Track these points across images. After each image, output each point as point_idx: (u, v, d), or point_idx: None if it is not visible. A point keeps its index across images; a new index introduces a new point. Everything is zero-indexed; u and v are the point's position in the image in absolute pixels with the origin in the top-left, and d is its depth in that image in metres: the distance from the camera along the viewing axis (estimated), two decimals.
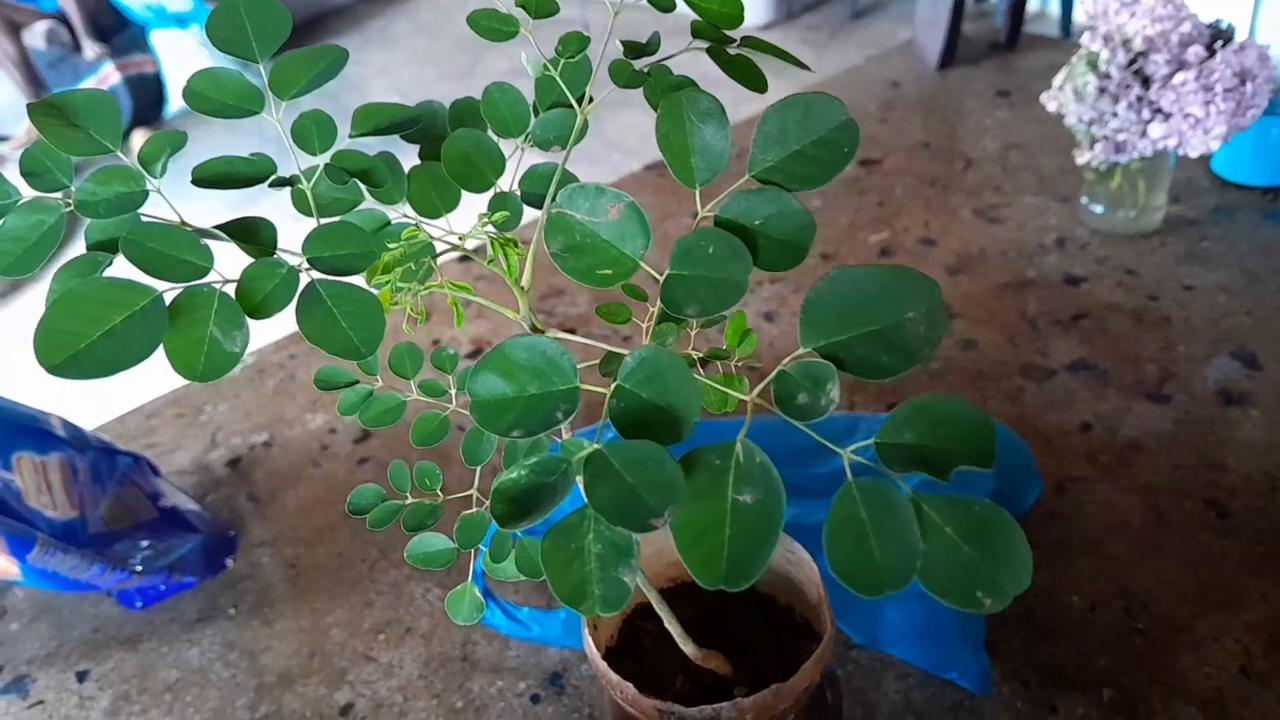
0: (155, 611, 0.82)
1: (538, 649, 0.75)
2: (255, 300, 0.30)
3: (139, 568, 0.76)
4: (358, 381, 0.43)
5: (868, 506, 0.28)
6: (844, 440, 0.79)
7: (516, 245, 0.35)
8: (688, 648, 0.47)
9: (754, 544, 0.27)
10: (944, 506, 0.28)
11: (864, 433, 0.80)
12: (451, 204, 0.38)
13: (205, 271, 0.31)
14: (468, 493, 0.39)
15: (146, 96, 3.77)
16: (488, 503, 0.31)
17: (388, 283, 0.33)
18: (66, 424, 0.82)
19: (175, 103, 3.93)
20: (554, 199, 0.32)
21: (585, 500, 0.29)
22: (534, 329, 0.36)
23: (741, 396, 0.33)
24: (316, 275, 0.31)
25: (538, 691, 0.73)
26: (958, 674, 0.68)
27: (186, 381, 1.06)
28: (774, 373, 0.29)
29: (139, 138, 3.72)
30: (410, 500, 0.44)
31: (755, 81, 0.38)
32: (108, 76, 3.65)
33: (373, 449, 0.95)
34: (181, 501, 0.85)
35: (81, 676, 0.78)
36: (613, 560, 0.28)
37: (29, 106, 0.34)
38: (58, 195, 0.35)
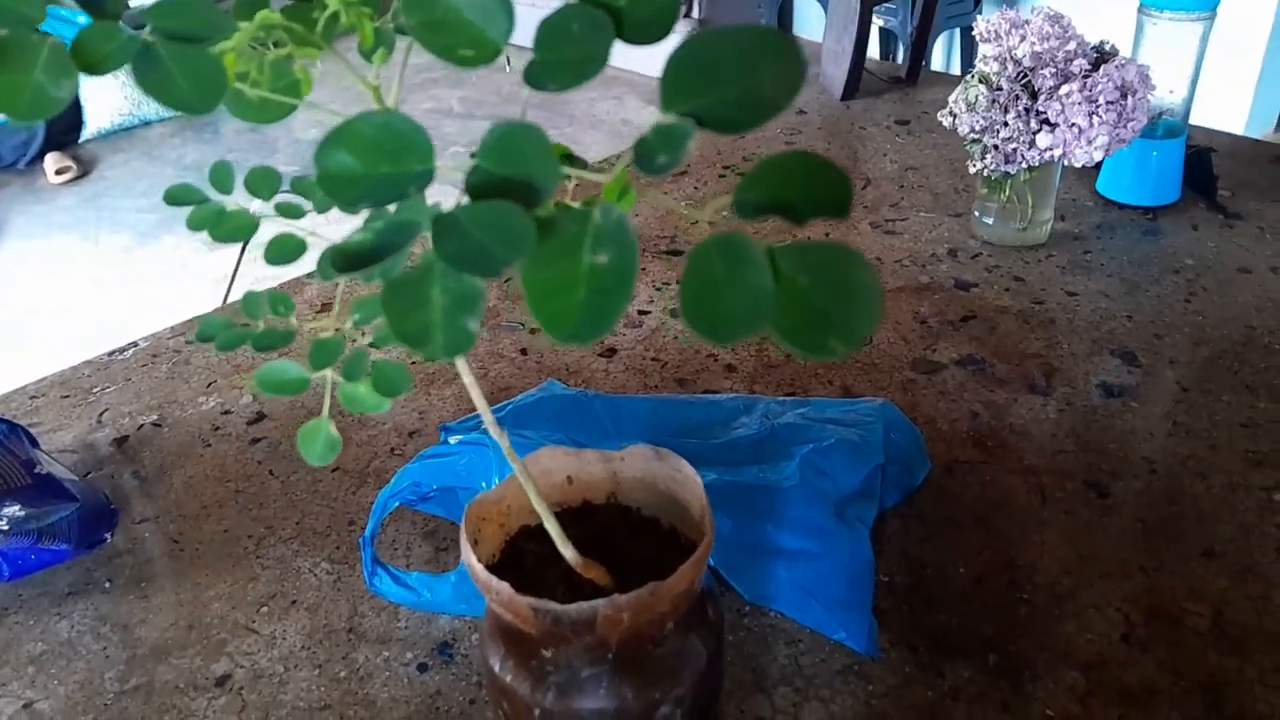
0: (24, 585, 0.79)
1: (427, 619, 0.74)
2: (93, 59, 0.30)
3: (4, 526, 0.73)
4: (209, 199, 0.42)
5: (723, 259, 0.28)
6: (741, 415, 0.80)
7: (373, 15, 0.35)
8: (568, 552, 0.47)
9: (608, 302, 0.27)
10: (797, 254, 0.28)
11: (760, 411, 0.81)
12: None
13: (33, 21, 0.31)
14: (325, 321, 0.38)
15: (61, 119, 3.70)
16: (345, 325, 0.31)
17: (232, 48, 0.32)
18: None
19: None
20: None
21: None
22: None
23: (603, 177, 0.33)
24: (159, 39, 0.31)
25: (425, 660, 0.71)
26: (845, 634, 0.68)
27: (75, 363, 1.02)
28: (635, 141, 0.29)
29: (51, 161, 3.65)
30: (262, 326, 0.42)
31: None
32: None
33: (266, 429, 0.93)
34: (59, 471, 0.82)
35: None
36: (458, 309, 0.28)
37: None
38: None
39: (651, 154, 0.28)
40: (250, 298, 0.43)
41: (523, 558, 0.53)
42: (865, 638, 0.68)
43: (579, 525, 0.53)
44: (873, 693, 0.67)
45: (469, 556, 0.48)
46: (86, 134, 3.88)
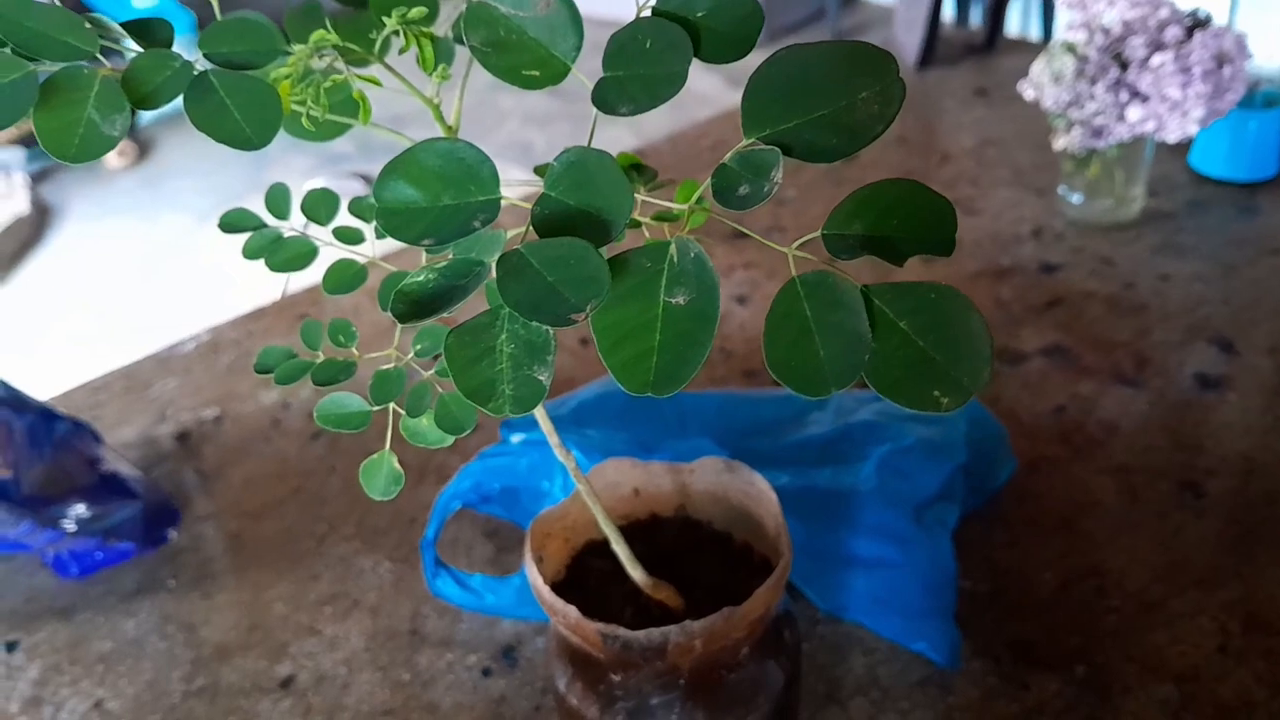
0: (91, 583, 0.78)
1: (490, 622, 0.72)
2: (144, 91, 0.28)
3: (71, 528, 0.73)
4: (265, 225, 0.40)
5: (811, 301, 0.25)
6: (813, 411, 0.77)
7: (434, 38, 0.32)
8: (636, 573, 0.45)
9: (686, 347, 0.25)
10: (896, 297, 0.25)
11: (833, 407, 0.78)
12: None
13: (86, 54, 0.28)
14: (386, 351, 0.36)
15: None
16: (407, 357, 0.29)
17: (288, 75, 0.30)
18: (3, 384, 0.79)
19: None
20: None
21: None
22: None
23: (678, 207, 0.30)
24: (211, 68, 0.29)
25: (489, 665, 0.70)
26: (926, 645, 0.65)
27: (138, 358, 1.02)
28: (715, 168, 0.26)
29: None
30: (322, 357, 0.40)
31: None
32: None
33: None
34: (123, 469, 0.81)
35: (10, 646, 0.75)
36: (526, 358, 0.26)
37: None
38: None
39: (733, 184, 0.25)
40: (309, 327, 0.41)
41: (588, 575, 0.50)
42: (946, 649, 0.65)
43: (646, 540, 0.51)
44: (953, 705, 0.64)
45: (534, 576, 0.46)
46: (145, 116, 3.91)
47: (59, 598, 0.78)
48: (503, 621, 0.72)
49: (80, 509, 0.75)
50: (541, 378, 0.25)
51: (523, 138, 3.38)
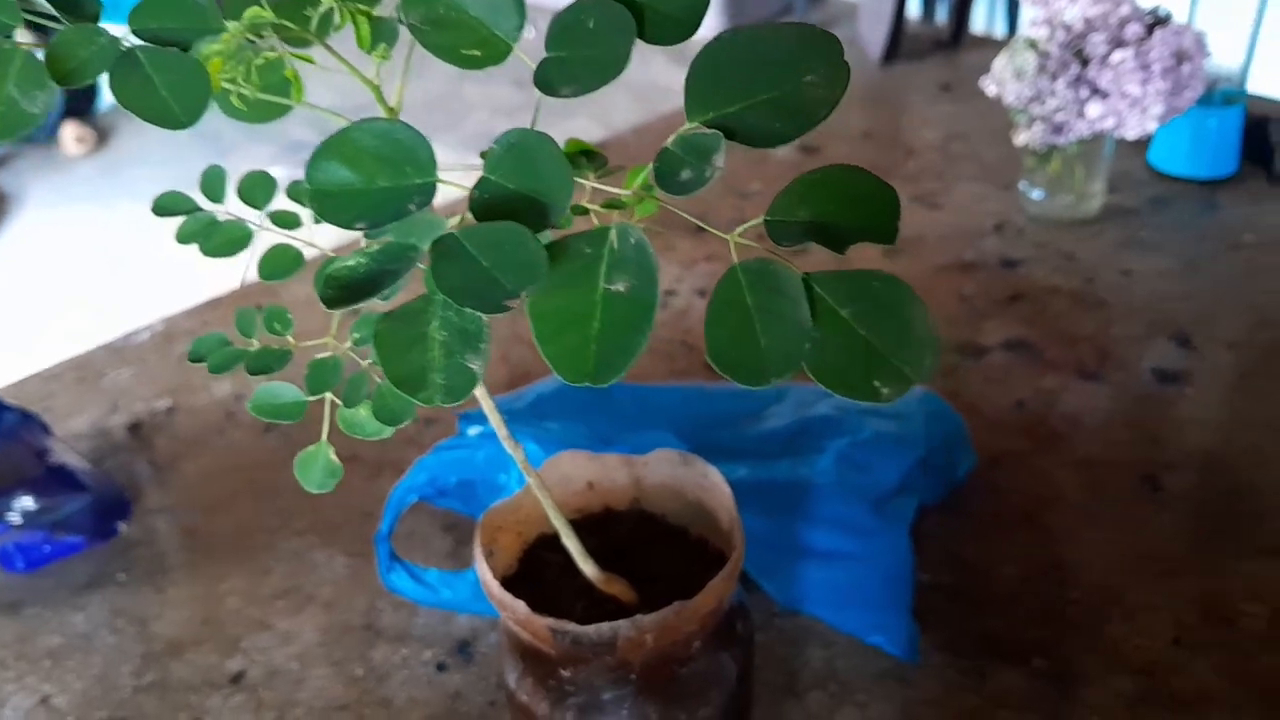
0: (40, 577, 0.77)
1: (447, 617, 0.71)
2: (67, 67, 0.27)
3: (17, 520, 0.71)
4: (200, 209, 0.39)
5: (753, 289, 0.24)
6: (772, 405, 0.77)
7: (371, 16, 0.31)
8: (588, 567, 0.44)
9: (626, 335, 0.24)
10: (837, 284, 0.25)
11: (792, 400, 0.77)
12: None
13: (7, 28, 0.27)
14: (323, 340, 0.35)
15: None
16: (344, 346, 0.28)
17: (219, 52, 0.29)
18: None
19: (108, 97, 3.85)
20: None
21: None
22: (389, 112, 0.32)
23: (623, 193, 0.30)
24: (138, 43, 0.28)
25: (444, 660, 0.69)
26: (884, 639, 0.65)
27: (91, 347, 1.00)
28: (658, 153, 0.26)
29: (69, 130, 3.63)
30: (257, 345, 0.39)
31: None
32: None
33: None
34: (72, 460, 0.80)
35: None
36: (459, 346, 0.25)
37: None
38: None
39: (674, 169, 0.24)
40: (244, 315, 0.40)
41: (542, 568, 0.50)
42: (904, 642, 0.65)
43: (601, 534, 0.50)
44: (912, 699, 0.64)
45: (483, 571, 0.45)
46: (104, 102, 3.85)
47: (5, 592, 0.76)
48: (458, 616, 0.71)
49: (27, 502, 0.74)
50: (474, 366, 0.25)
51: (490, 128, 3.36)
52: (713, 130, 0.25)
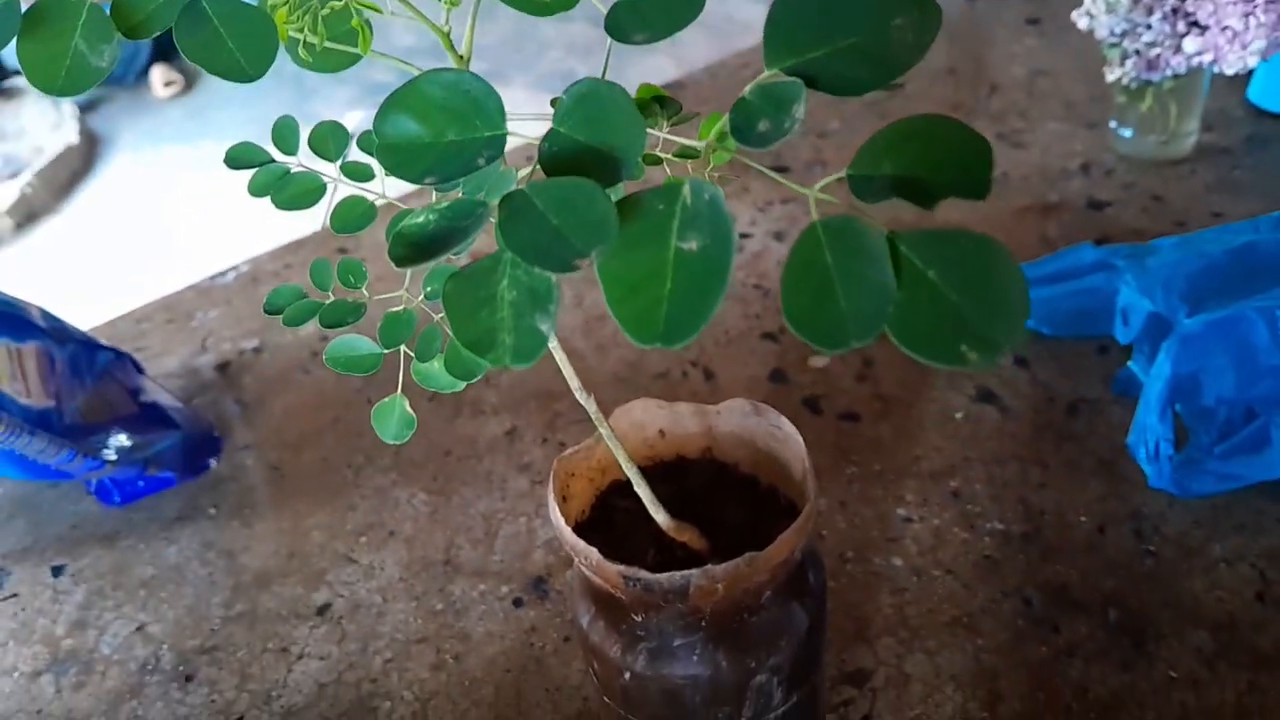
0: (134, 510, 0.80)
1: (523, 553, 0.73)
2: (134, 20, 0.28)
3: (112, 457, 0.74)
4: (272, 160, 0.39)
5: (833, 248, 0.23)
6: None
7: None
8: (659, 515, 0.44)
9: (699, 296, 0.24)
10: (925, 244, 0.24)
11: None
12: None
13: None
14: (396, 293, 0.36)
15: None
16: (417, 299, 0.28)
17: (285, 2, 0.29)
18: (47, 315, 0.80)
19: None
20: None
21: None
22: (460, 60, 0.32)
23: (698, 144, 0.29)
24: None
25: (520, 595, 0.70)
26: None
27: (180, 288, 1.03)
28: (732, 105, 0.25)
29: (158, 73, 3.69)
30: (332, 298, 0.39)
31: None
32: None
33: None
34: (164, 399, 0.83)
35: (57, 571, 0.77)
36: (528, 307, 0.25)
37: None
38: None
39: (751, 120, 0.24)
40: (319, 267, 0.40)
41: (613, 515, 0.50)
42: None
43: (672, 482, 0.50)
44: (982, 647, 0.64)
45: (555, 516, 0.46)
46: None
47: (103, 524, 0.79)
48: (535, 553, 0.73)
49: (121, 438, 0.77)
50: (544, 328, 0.25)
51: (566, 68, 3.34)
52: (792, 78, 0.25)
